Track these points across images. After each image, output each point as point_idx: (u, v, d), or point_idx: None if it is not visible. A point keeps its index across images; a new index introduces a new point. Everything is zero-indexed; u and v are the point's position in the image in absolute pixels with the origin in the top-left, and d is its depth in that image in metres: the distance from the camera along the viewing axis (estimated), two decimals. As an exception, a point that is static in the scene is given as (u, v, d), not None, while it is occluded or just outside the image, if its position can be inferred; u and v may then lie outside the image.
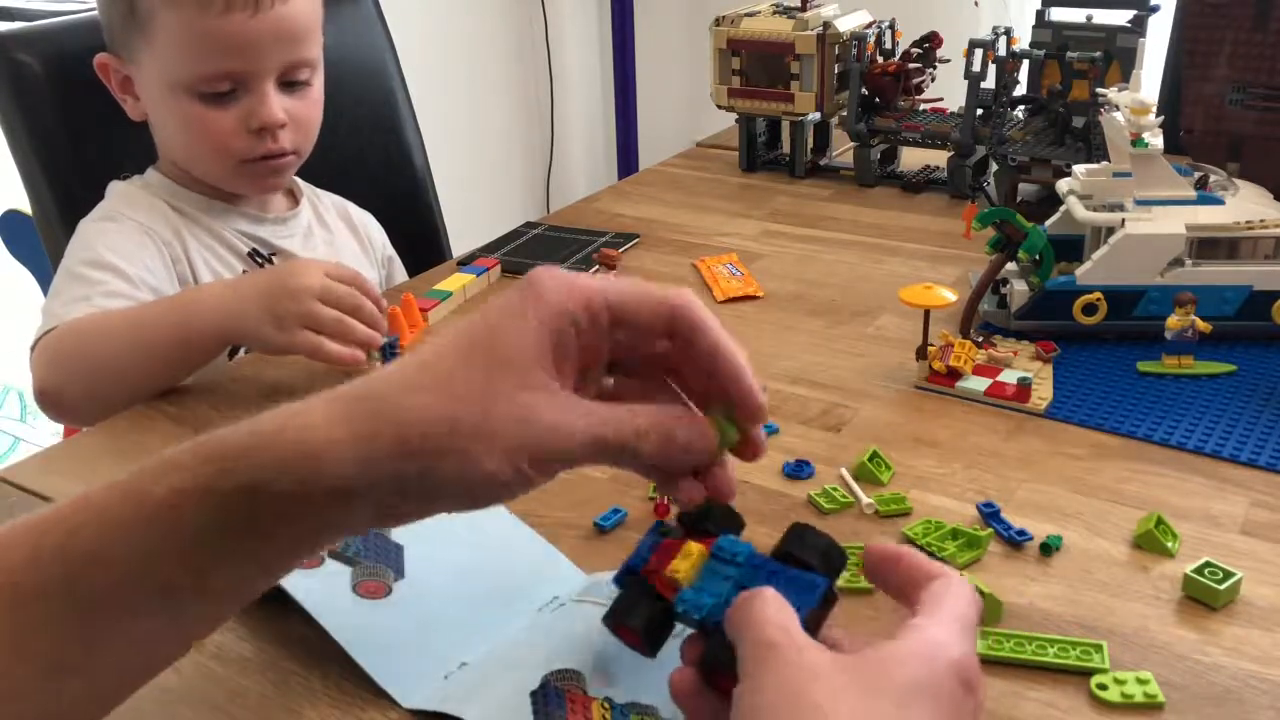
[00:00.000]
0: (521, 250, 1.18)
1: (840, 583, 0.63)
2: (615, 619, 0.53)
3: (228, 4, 0.98)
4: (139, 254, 1.02)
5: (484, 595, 0.61)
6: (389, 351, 0.92)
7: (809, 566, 0.49)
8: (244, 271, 1.09)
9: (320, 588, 0.59)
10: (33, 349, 0.95)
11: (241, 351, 1.00)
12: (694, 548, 0.52)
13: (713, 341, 0.49)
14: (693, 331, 0.49)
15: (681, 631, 0.52)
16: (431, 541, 0.63)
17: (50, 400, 0.93)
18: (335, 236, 1.21)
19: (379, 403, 0.45)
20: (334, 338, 0.87)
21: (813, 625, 0.47)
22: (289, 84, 1.06)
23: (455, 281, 1.07)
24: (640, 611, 0.52)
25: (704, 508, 0.54)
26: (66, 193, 1.16)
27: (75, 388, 0.90)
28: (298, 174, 1.16)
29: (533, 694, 0.52)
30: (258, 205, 1.14)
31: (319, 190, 1.24)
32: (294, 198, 1.19)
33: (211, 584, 0.45)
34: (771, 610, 0.44)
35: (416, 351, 0.48)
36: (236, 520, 0.44)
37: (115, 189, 1.10)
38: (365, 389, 0.46)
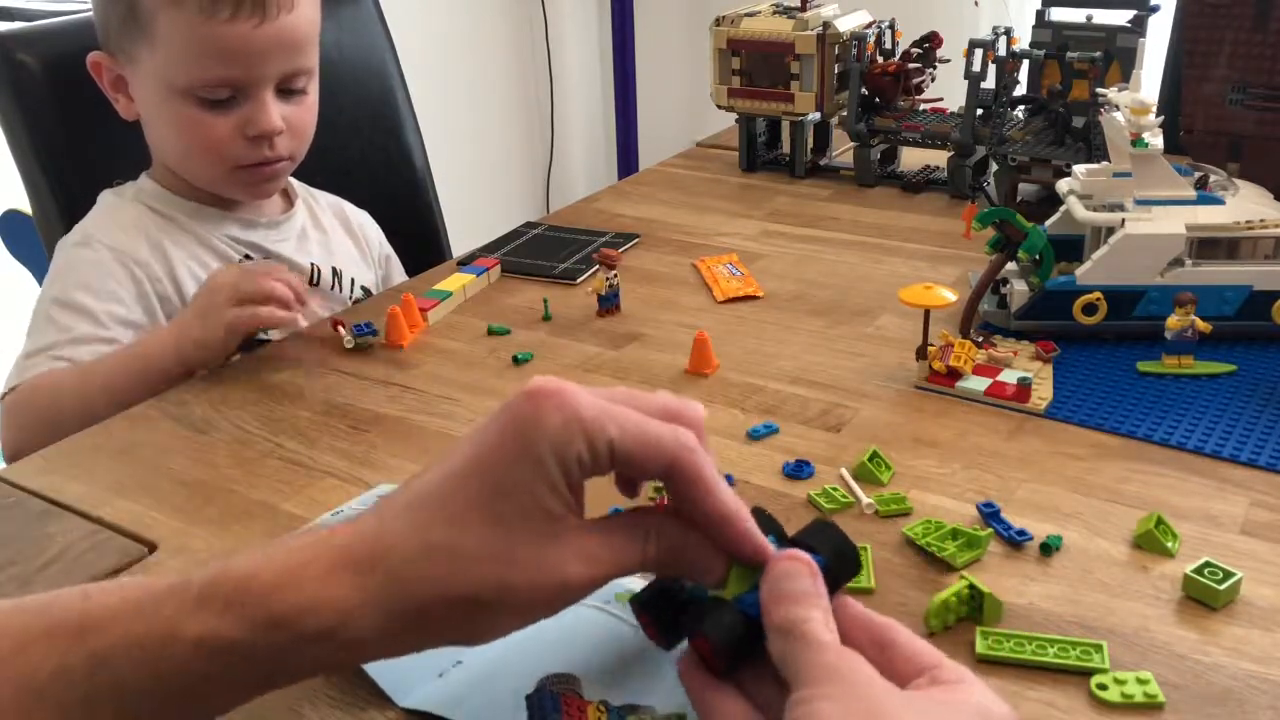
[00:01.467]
0: (521, 250, 1.18)
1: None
2: (639, 605, 0.53)
3: (234, 11, 0.98)
4: (108, 286, 1.03)
5: None
6: (364, 331, 0.96)
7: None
8: None
9: None
10: (1, 399, 0.98)
11: (236, 356, 1.00)
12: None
13: (711, 505, 0.48)
14: (690, 488, 0.48)
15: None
16: None
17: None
18: (330, 238, 1.21)
19: (399, 579, 0.45)
20: (262, 303, 0.94)
21: None
22: (286, 91, 1.06)
23: (455, 281, 1.07)
24: (662, 601, 0.52)
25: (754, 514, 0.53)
26: (66, 193, 1.16)
27: (43, 442, 0.88)
28: (296, 174, 1.16)
29: (528, 698, 0.52)
30: (251, 210, 1.14)
31: (314, 190, 1.24)
32: (289, 200, 1.19)
33: (223, 709, 0.47)
34: (826, 634, 0.44)
35: (426, 494, 0.47)
36: (259, 670, 0.45)
37: (102, 200, 1.10)
38: (381, 554, 0.45)
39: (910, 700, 0.43)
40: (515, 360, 0.93)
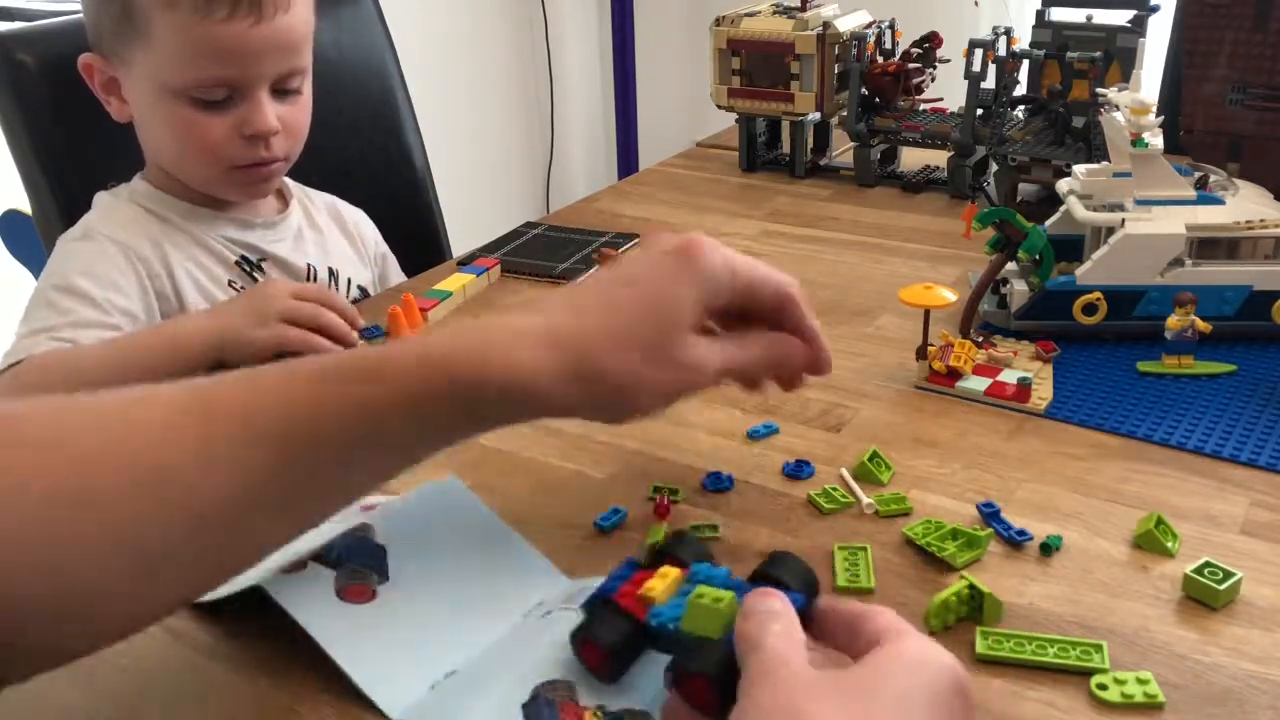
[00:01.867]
0: (521, 250, 1.18)
1: (841, 582, 0.63)
2: (582, 635, 0.53)
3: (231, 11, 0.98)
4: (111, 275, 1.02)
5: (468, 600, 0.61)
6: (377, 334, 0.97)
7: (786, 588, 0.50)
8: (229, 282, 1.09)
9: (304, 592, 0.59)
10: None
11: None
12: (671, 571, 0.53)
13: (810, 326, 0.65)
14: (797, 315, 0.64)
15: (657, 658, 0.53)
16: (415, 545, 0.63)
17: None
18: (326, 237, 1.20)
19: (586, 357, 0.56)
20: (312, 329, 0.94)
21: None
22: (281, 91, 1.06)
23: (455, 281, 1.07)
24: (609, 629, 0.52)
25: (678, 537, 0.56)
26: (66, 193, 1.16)
27: None
28: (295, 173, 1.16)
29: (524, 706, 0.52)
30: (247, 210, 1.13)
31: (309, 190, 1.23)
32: (284, 200, 1.19)
33: (416, 455, 0.57)
34: (776, 639, 0.45)
35: (602, 291, 0.59)
36: (453, 421, 0.56)
37: (98, 201, 1.10)
38: (572, 336, 0.56)
39: (834, 684, 0.43)
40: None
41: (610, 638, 0.52)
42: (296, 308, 0.94)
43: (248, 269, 1.11)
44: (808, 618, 0.49)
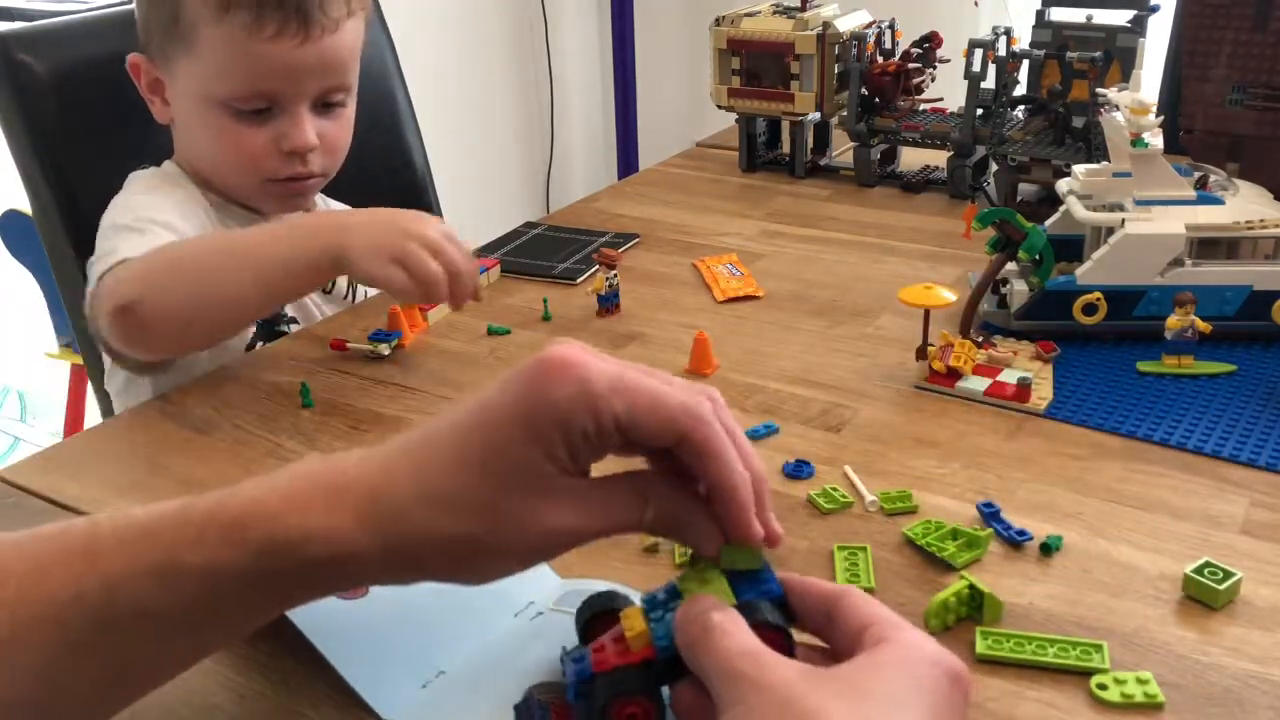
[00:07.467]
0: (521, 250, 1.18)
1: (840, 582, 0.63)
2: (603, 710, 0.48)
3: (278, 30, 0.98)
4: (190, 217, 1.02)
5: (461, 598, 0.61)
6: (391, 337, 0.96)
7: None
8: None
9: None
10: (93, 292, 0.93)
11: (258, 344, 1.00)
12: (630, 613, 0.50)
13: (716, 474, 0.48)
14: (700, 460, 0.48)
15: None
16: None
17: (134, 314, 0.88)
18: None
19: (403, 522, 0.47)
20: (421, 286, 0.86)
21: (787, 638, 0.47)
22: (324, 106, 1.06)
23: (455, 281, 1.07)
24: (627, 686, 0.48)
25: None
26: (66, 193, 1.16)
27: (164, 299, 0.86)
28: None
29: (516, 707, 0.53)
30: (273, 217, 1.13)
31: (331, 201, 1.24)
32: (308, 210, 1.19)
33: (239, 631, 0.50)
34: (728, 639, 0.44)
35: (428, 442, 0.48)
36: (265, 594, 0.48)
37: (144, 174, 1.09)
38: (380, 493, 0.47)
39: (830, 681, 0.42)
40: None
41: (636, 689, 0.48)
42: (415, 256, 0.85)
43: None
44: (790, 618, 0.48)
